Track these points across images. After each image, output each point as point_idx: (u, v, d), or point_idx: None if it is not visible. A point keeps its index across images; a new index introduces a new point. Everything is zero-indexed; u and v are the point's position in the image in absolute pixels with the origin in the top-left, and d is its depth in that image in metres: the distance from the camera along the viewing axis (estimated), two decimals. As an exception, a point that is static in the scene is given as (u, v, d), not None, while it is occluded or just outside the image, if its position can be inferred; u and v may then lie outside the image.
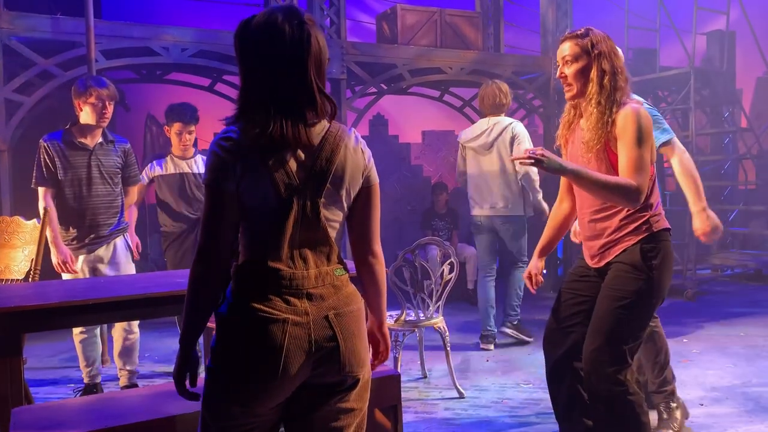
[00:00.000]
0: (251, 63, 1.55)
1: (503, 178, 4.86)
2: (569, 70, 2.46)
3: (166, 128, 4.31)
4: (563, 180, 2.72)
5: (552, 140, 5.82)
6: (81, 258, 3.68)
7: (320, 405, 1.61)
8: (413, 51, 6.57)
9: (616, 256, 2.46)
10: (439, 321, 3.85)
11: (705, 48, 8.62)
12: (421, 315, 3.85)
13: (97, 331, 3.85)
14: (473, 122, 8.03)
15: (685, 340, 4.85)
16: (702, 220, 3.09)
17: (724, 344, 4.69)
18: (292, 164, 1.55)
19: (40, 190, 3.63)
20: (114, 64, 5.42)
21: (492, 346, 4.88)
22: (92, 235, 3.68)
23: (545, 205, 4.91)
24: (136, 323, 3.82)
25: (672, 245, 2.49)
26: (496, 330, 4.94)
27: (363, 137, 1.72)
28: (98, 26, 5.19)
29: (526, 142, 4.78)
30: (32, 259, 3.26)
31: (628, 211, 2.42)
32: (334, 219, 1.62)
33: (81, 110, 3.62)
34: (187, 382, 1.64)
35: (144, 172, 4.27)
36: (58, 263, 3.57)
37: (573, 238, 3.17)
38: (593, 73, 2.41)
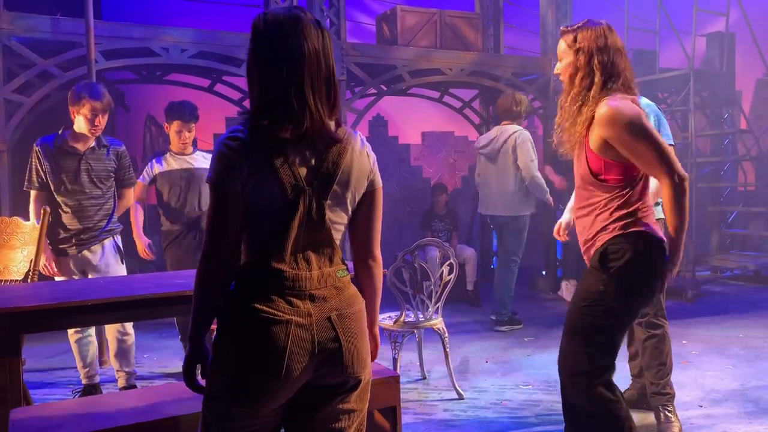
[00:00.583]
0: (258, 66, 1.56)
1: (507, 181, 5.32)
2: (558, 67, 2.44)
3: (166, 126, 4.31)
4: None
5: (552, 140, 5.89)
6: (71, 260, 3.70)
7: (322, 406, 1.62)
8: (413, 52, 6.58)
9: (593, 254, 2.38)
10: (438, 322, 3.85)
11: (704, 49, 8.62)
12: (421, 316, 3.85)
13: (92, 330, 3.84)
14: (473, 123, 8.11)
15: (684, 342, 4.85)
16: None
17: (724, 345, 4.69)
18: (299, 166, 1.55)
19: (32, 193, 3.69)
20: (114, 65, 5.42)
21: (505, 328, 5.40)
22: (82, 236, 3.70)
23: (550, 199, 5.51)
24: (130, 325, 3.81)
25: (655, 249, 2.31)
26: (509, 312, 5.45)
27: None
28: (98, 27, 5.19)
29: (525, 149, 5.24)
30: (31, 260, 3.26)
31: (603, 208, 2.33)
32: (338, 221, 1.63)
33: (75, 118, 3.64)
34: (198, 377, 1.65)
35: (144, 171, 4.27)
36: (45, 265, 3.61)
37: (555, 235, 3.07)
38: (571, 69, 2.36)
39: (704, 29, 8.53)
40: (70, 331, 3.76)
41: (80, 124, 3.64)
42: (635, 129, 2.21)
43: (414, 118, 10.32)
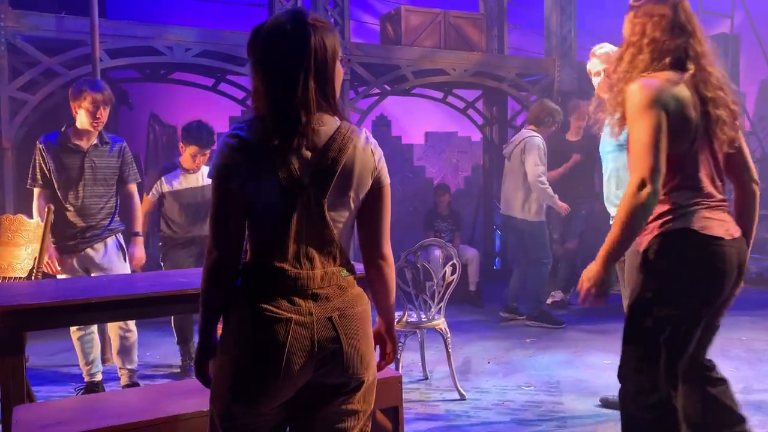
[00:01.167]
0: (260, 66, 1.57)
1: (518, 184, 5.43)
2: None
3: (182, 146, 4.29)
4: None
5: (556, 142, 5.89)
6: (74, 257, 3.71)
7: (324, 406, 1.62)
8: (417, 52, 6.57)
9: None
10: (440, 322, 3.85)
11: (709, 51, 8.60)
12: (423, 316, 3.85)
13: (94, 328, 3.84)
14: (476, 124, 8.11)
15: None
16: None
17: (726, 348, 4.68)
18: (297, 163, 1.55)
19: (35, 190, 3.70)
20: (118, 63, 5.44)
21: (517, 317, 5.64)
22: (85, 234, 3.71)
23: (561, 205, 5.43)
24: (132, 322, 3.81)
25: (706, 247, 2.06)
26: (514, 305, 5.70)
27: None
28: (103, 25, 5.20)
29: (532, 154, 5.30)
30: (35, 258, 3.26)
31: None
32: (340, 219, 1.62)
33: (77, 113, 3.65)
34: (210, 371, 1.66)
35: (153, 189, 4.26)
36: (47, 262, 3.62)
37: None
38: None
39: (709, 31, 8.50)
40: (73, 329, 3.77)
41: (82, 119, 3.64)
42: (636, 111, 2.05)
43: (417, 118, 10.32)
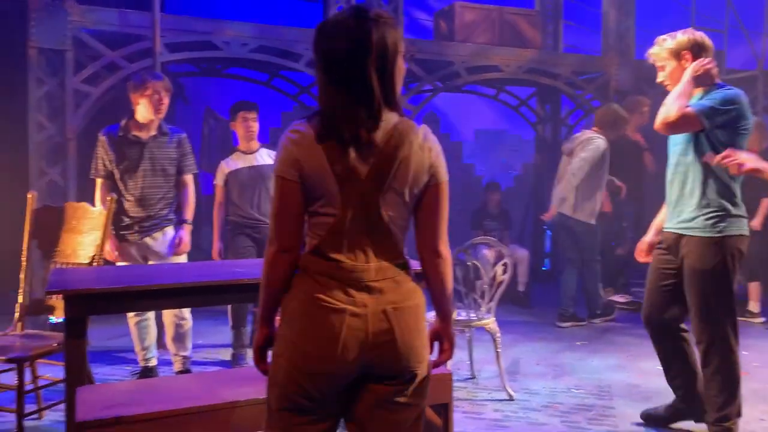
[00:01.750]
0: (323, 61, 1.60)
1: (569, 184, 5.36)
2: None
3: (232, 124, 4.40)
4: None
5: (623, 143, 5.76)
6: (133, 246, 3.81)
7: (377, 398, 1.63)
8: (470, 48, 6.52)
9: None
10: (490, 322, 3.81)
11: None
12: (473, 315, 3.83)
13: (151, 314, 3.94)
14: (528, 122, 8.00)
15: (745, 353, 4.67)
16: None
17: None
18: (354, 159, 1.57)
19: (98, 181, 3.83)
20: (177, 57, 5.57)
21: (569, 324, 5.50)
22: (144, 224, 3.81)
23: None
24: (187, 310, 3.90)
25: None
26: (572, 311, 5.54)
27: None
28: (163, 20, 5.34)
29: (587, 152, 5.23)
30: (97, 245, 3.36)
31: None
32: (395, 215, 1.63)
33: (137, 104, 3.75)
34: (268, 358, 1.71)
35: (218, 175, 4.37)
36: (107, 250, 3.72)
37: (638, 258, 3.18)
38: None
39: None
40: (130, 315, 3.87)
41: (143, 111, 3.75)
42: None
43: (467, 116, 10.26)
